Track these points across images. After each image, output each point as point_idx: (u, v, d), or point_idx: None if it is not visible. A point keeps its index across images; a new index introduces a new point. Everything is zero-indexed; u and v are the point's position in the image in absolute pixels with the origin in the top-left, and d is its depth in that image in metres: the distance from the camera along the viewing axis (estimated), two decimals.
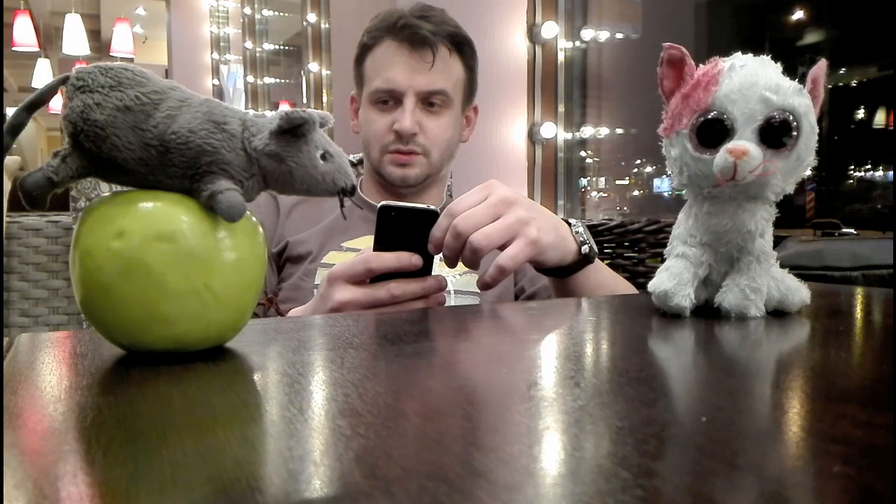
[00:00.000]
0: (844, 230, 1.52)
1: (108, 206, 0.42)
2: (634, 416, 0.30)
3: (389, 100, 1.05)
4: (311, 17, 3.74)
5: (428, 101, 1.05)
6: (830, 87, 2.70)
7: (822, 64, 0.56)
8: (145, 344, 0.41)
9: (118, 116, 0.40)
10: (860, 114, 2.99)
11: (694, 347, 0.48)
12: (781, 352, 0.48)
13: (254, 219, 0.45)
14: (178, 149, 0.40)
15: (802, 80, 0.54)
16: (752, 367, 0.42)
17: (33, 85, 7.77)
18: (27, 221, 1.20)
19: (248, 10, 5.31)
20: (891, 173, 2.69)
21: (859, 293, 0.74)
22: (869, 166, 2.84)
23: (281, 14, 5.18)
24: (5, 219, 1.18)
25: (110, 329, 0.41)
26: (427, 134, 1.06)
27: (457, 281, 0.99)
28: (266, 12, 5.27)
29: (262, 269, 0.45)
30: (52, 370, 0.41)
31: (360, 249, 0.95)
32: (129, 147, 0.40)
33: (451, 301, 0.96)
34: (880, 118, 2.97)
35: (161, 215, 0.41)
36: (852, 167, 2.82)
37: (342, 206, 0.45)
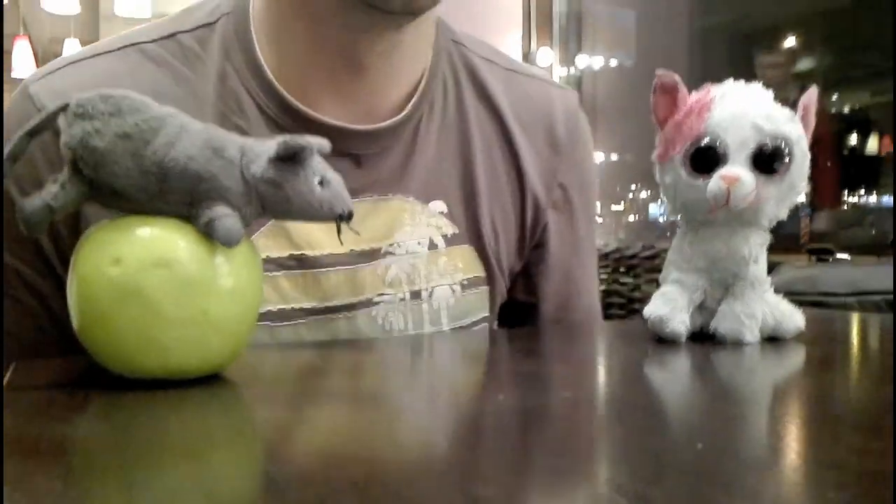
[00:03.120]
0: (839, 256, 1.53)
1: (105, 232, 0.42)
2: (631, 443, 0.30)
3: None
4: None
5: None
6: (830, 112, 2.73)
7: (813, 91, 0.57)
8: (143, 371, 0.41)
9: (118, 143, 0.41)
10: (853, 140, 3.02)
11: (690, 373, 0.48)
12: (777, 378, 0.48)
13: (251, 245, 0.45)
14: (176, 175, 0.41)
15: (794, 108, 0.55)
16: (748, 394, 0.43)
17: None
18: None
19: None
20: (885, 198, 2.71)
21: (855, 319, 0.74)
22: (862, 192, 2.86)
23: None
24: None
25: (106, 356, 0.41)
26: None
27: (452, 306, 0.61)
28: None
29: (259, 295, 0.45)
30: (47, 396, 0.41)
31: (279, 258, 0.55)
32: (128, 173, 0.41)
33: (458, 296, 0.62)
34: (873, 144, 2.99)
35: (158, 242, 0.41)
36: (846, 193, 2.84)
37: (339, 232, 0.45)
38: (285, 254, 0.56)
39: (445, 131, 0.60)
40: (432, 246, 0.60)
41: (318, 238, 0.56)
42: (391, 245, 0.58)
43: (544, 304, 0.69)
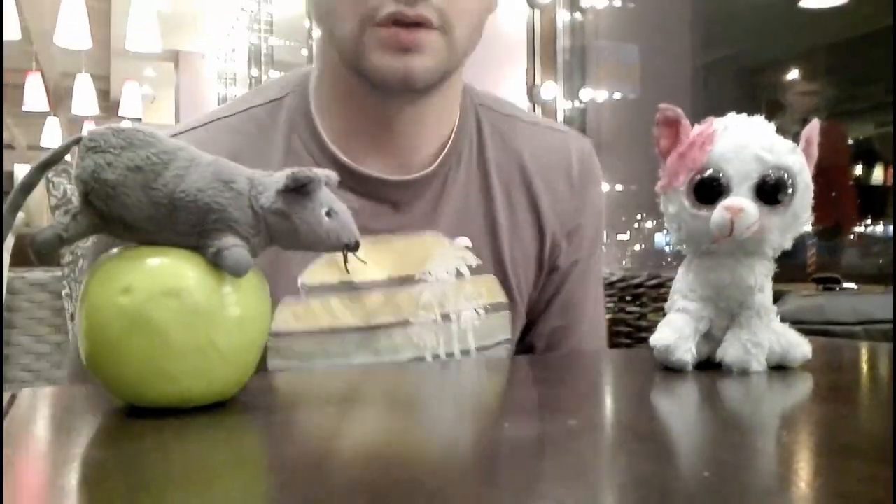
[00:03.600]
0: (845, 285, 1.52)
1: (115, 262, 0.42)
2: (638, 471, 0.30)
3: None
4: None
5: None
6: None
7: (815, 124, 0.57)
8: (149, 400, 0.41)
9: (129, 176, 0.41)
10: (858, 170, 3.02)
11: (696, 402, 0.48)
12: (784, 407, 0.48)
13: (259, 274, 0.45)
14: (186, 207, 0.41)
15: (796, 140, 0.56)
16: (755, 422, 0.42)
17: (42, 143, 7.90)
18: (32, 276, 1.21)
19: (255, 72, 5.44)
20: (891, 228, 2.70)
21: (862, 348, 0.74)
22: (869, 221, 2.86)
23: None
24: (10, 274, 1.19)
25: (114, 384, 0.42)
26: None
27: (477, 328, 0.69)
28: (273, 73, 5.40)
29: (266, 325, 0.45)
30: (54, 425, 0.41)
31: (331, 283, 0.64)
32: (139, 205, 0.41)
33: (483, 319, 0.69)
34: (878, 174, 3.00)
35: (168, 271, 0.42)
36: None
37: (346, 261, 0.46)
38: (336, 280, 0.65)
39: (470, 179, 0.70)
40: (459, 275, 0.69)
41: (362, 267, 0.62)
42: (424, 273, 0.68)
43: (543, 323, 0.76)
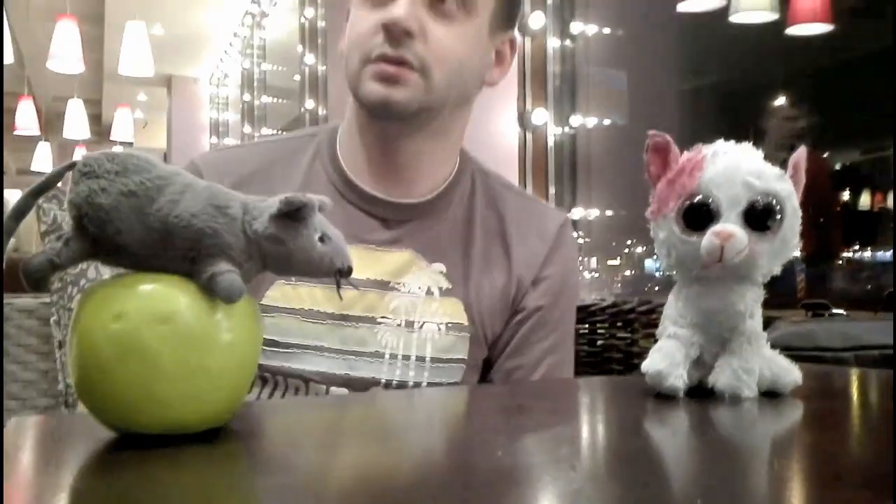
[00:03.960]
0: (835, 311, 1.53)
1: (107, 287, 0.42)
2: (630, 499, 0.30)
3: None
4: (309, 104, 3.85)
5: None
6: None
7: (803, 150, 0.58)
8: (139, 426, 0.41)
9: (122, 201, 0.41)
10: (845, 196, 3.05)
11: (688, 429, 0.48)
12: (775, 433, 0.48)
13: (251, 300, 0.45)
14: (180, 232, 0.41)
15: (784, 166, 0.56)
16: (747, 449, 0.42)
17: (33, 167, 7.88)
18: (20, 302, 1.20)
19: (247, 97, 5.47)
20: (879, 253, 2.73)
21: (852, 375, 0.74)
22: (857, 247, 2.88)
23: (280, 100, 5.33)
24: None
25: (104, 411, 0.41)
26: (430, 42, 0.73)
27: (436, 341, 0.78)
28: (265, 98, 5.42)
29: (257, 350, 0.45)
30: (44, 454, 0.41)
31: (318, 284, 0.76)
32: (132, 230, 0.41)
33: (426, 374, 0.77)
34: (865, 200, 3.03)
35: (160, 297, 0.41)
36: (841, 249, 2.86)
37: (339, 287, 0.46)
38: None
39: (455, 221, 0.83)
40: (429, 293, 0.79)
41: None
42: (399, 283, 0.78)
43: (502, 361, 0.83)
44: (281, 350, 0.74)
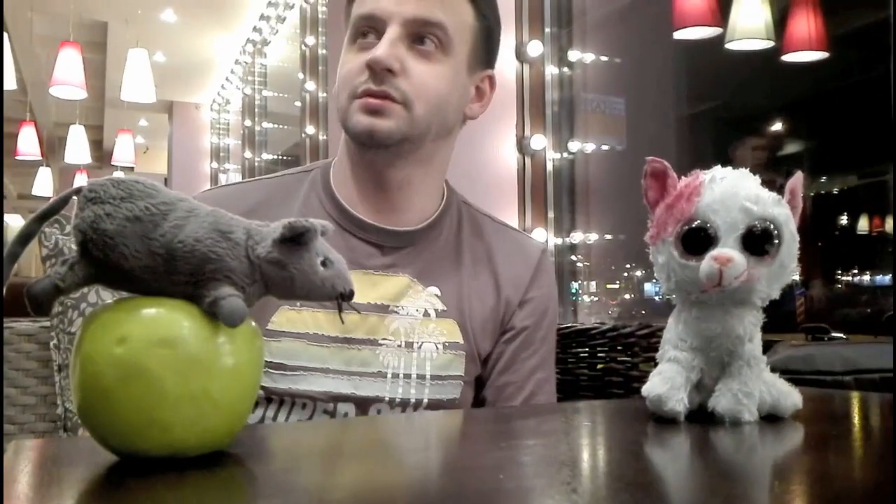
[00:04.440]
0: (833, 335, 1.53)
1: (111, 312, 0.43)
2: None
3: (370, 31, 0.81)
4: (310, 129, 3.87)
5: (418, 36, 0.80)
6: (812, 194, 2.79)
7: (799, 176, 0.59)
8: (141, 450, 0.41)
9: (127, 226, 0.42)
10: (843, 220, 3.06)
11: (689, 452, 0.48)
12: (776, 457, 0.48)
13: (253, 324, 0.45)
14: (183, 257, 0.42)
15: (781, 192, 0.57)
16: (748, 472, 0.42)
17: (34, 192, 7.91)
18: (19, 327, 1.20)
19: (248, 123, 5.50)
20: (878, 277, 2.73)
21: (852, 398, 0.74)
22: (856, 271, 2.89)
23: (280, 126, 5.37)
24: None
25: (106, 434, 0.41)
26: (411, 78, 0.80)
27: (434, 359, 0.82)
28: (266, 124, 5.46)
29: (258, 374, 0.45)
30: (44, 478, 0.41)
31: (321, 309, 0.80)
32: (137, 255, 0.42)
33: (426, 391, 0.81)
34: (863, 224, 3.04)
35: (163, 321, 0.42)
36: (839, 272, 2.87)
37: (340, 310, 0.46)
38: None
39: (446, 247, 0.88)
40: (426, 314, 0.84)
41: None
42: (397, 306, 0.83)
43: (494, 377, 0.88)
44: (289, 373, 0.77)
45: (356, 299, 0.75)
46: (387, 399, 0.80)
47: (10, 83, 4.18)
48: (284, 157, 5.42)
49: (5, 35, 4.16)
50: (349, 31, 0.84)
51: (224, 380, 0.42)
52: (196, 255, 0.42)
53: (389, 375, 0.81)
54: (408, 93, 0.79)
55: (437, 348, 0.83)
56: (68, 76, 4.26)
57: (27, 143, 6.15)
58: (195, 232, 0.42)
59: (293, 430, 0.56)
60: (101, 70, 6.03)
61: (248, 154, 5.47)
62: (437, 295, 0.85)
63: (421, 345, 0.82)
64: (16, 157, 6.37)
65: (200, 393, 0.41)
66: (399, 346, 0.82)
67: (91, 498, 0.36)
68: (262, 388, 0.73)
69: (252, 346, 0.44)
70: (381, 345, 0.81)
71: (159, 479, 0.38)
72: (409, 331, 0.82)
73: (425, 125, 0.81)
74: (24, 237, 0.43)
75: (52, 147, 8.24)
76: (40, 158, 6.75)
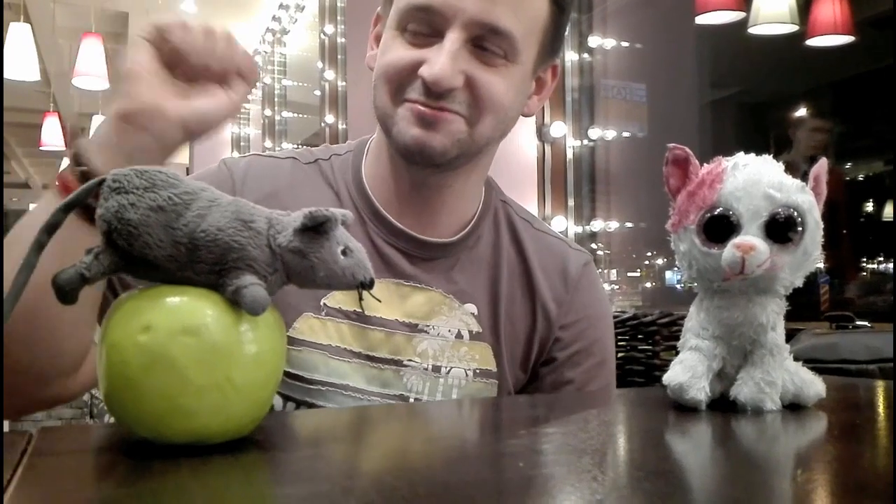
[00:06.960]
0: (858, 323, 1.51)
1: (136, 300, 0.43)
2: None
3: (426, 29, 0.69)
4: (329, 119, 3.88)
5: (481, 40, 0.69)
6: (847, 179, 2.74)
7: (823, 162, 0.58)
8: (166, 436, 0.41)
9: (151, 216, 0.42)
10: (869, 207, 3.02)
11: (711, 441, 0.48)
12: (799, 446, 0.48)
13: (276, 313, 0.46)
14: (206, 246, 0.42)
15: (805, 178, 0.56)
16: (770, 462, 0.42)
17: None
18: None
19: (268, 112, 5.52)
20: None
21: (876, 387, 0.73)
22: (881, 258, 2.85)
23: (300, 116, 5.38)
24: None
25: (132, 421, 0.42)
26: (476, 89, 0.69)
27: (463, 387, 0.75)
28: (286, 114, 5.48)
29: (281, 361, 0.46)
30: (72, 463, 0.41)
31: (347, 310, 0.73)
32: (160, 245, 0.42)
33: (469, 380, 0.75)
34: (888, 211, 3.00)
35: (187, 310, 0.42)
36: (864, 260, 2.83)
37: (361, 299, 0.46)
38: (351, 309, 0.73)
39: (483, 260, 0.80)
40: (459, 336, 0.76)
41: (378, 304, 0.73)
42: (428, 325, 0.75)
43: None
44: (306, 385, 0.71)
45: (383, 313, 0.74)
46: None
47: (33, 74, 4.22)
48: (305, 146, 5.43)
49: (28, 26, 4.21)
50: (395, 16, 0.71)
51: (247, 367, 0.42)
52: (219, 244, 0.42)
53: (412, 400, 0.73)
54: (471, 107, 0.69)
55: (467, 375, 0.75)
56: (90, 67, 4.31)
57: (51, 134, 6.23)
58: (218, 221, 0.43)
59: (316, 417, 0.57)
60: (122, 60, 6.08)
61: (268, 143, 5.49)
62: (473, 314, 0.77)
63: (450, 370, 0.74)
64: (40, 148, 6.45)
65: (224, 380, 0.41)
66: (426, 369, 0.74)
67: (117, 483, 0.37)
68: (280, 394, 0.70)
69: (275, 334, 0.45)
70: (406, 366, 0.74)
71: (184, 465, 0.39)
72: (439, 353, 0.75)
73: (486, 141, 0.73)
74: (51, 227, 0.44)
75: (76, 136, 8.33)
76: (64, 148, 6.83)
